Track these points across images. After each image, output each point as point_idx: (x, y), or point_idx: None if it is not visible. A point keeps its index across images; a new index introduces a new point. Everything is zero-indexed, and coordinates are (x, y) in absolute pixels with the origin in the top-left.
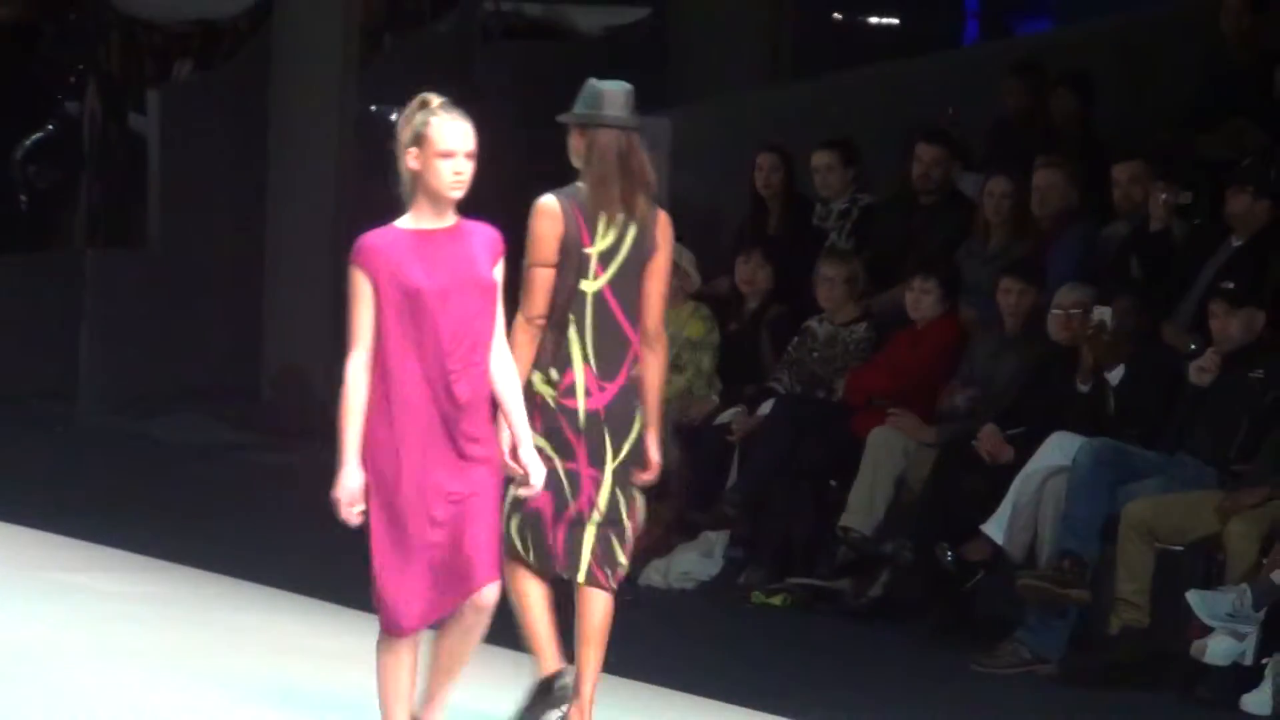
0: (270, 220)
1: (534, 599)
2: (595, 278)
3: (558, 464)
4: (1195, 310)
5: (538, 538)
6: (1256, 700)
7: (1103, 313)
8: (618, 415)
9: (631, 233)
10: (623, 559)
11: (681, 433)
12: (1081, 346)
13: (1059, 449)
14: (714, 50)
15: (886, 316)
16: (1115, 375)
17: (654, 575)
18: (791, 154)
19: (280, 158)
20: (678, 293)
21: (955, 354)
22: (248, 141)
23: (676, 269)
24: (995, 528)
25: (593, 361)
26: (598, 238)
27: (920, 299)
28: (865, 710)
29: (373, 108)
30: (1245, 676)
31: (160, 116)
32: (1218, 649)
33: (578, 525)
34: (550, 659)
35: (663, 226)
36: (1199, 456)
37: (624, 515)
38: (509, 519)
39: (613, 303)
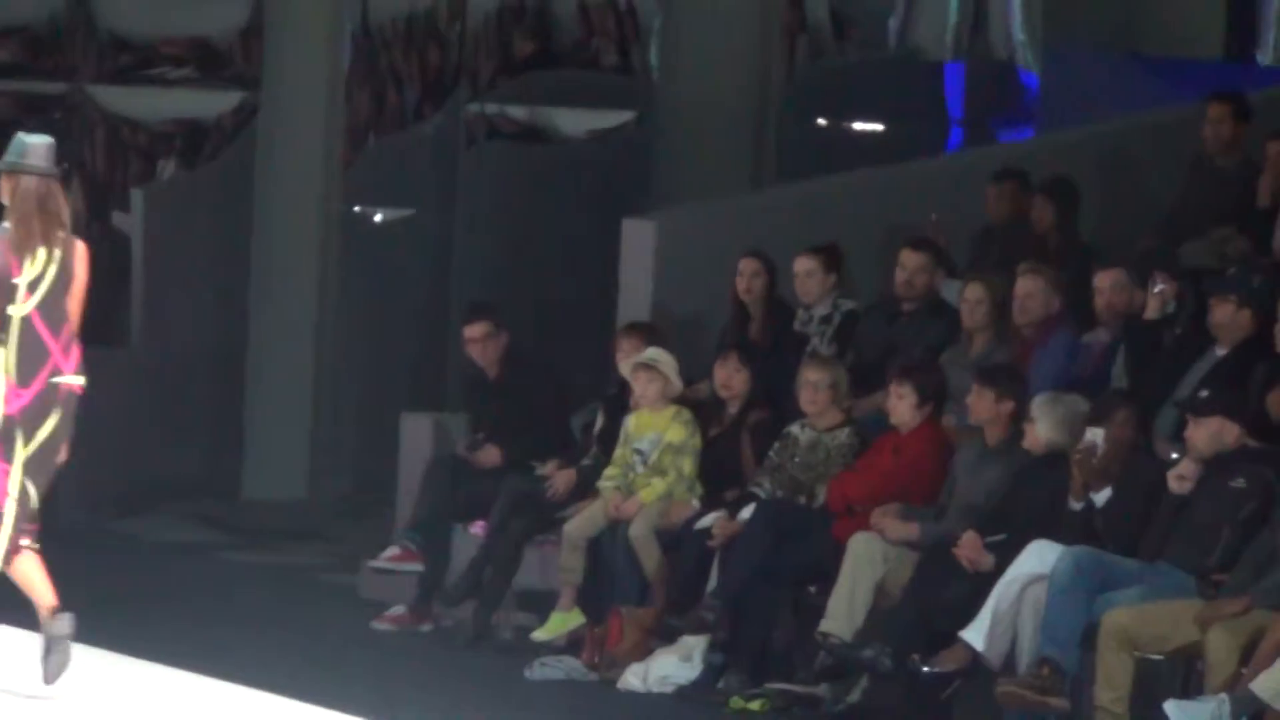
0: (253, 318)
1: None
2: (24, 302)
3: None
4: (1178, 418)
5: None
6: None
7: (1095, 434)
8: (31, 416)
9: (55, 264)
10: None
11: (662, 537)
12: (1070, 461)
13: (1038, 556)
14: (698, 154)
15: (870, 422)
16: (1102, 497)
17: (632, 679)
18: (774, 260)
19: (263, 256)
20: (660, 397)
21: (939, 461)
22: (231, 240)
23: (658, 374)
24: (975, 634)
25: (14, 373)
26: (26, 268)
27: (896, 404)
28: None
29: (356, 208)
30: None
31: (144, 215)
32: None
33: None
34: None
35: (80, 255)
36: (1179, 565)
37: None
38: None
39: (38, 322)
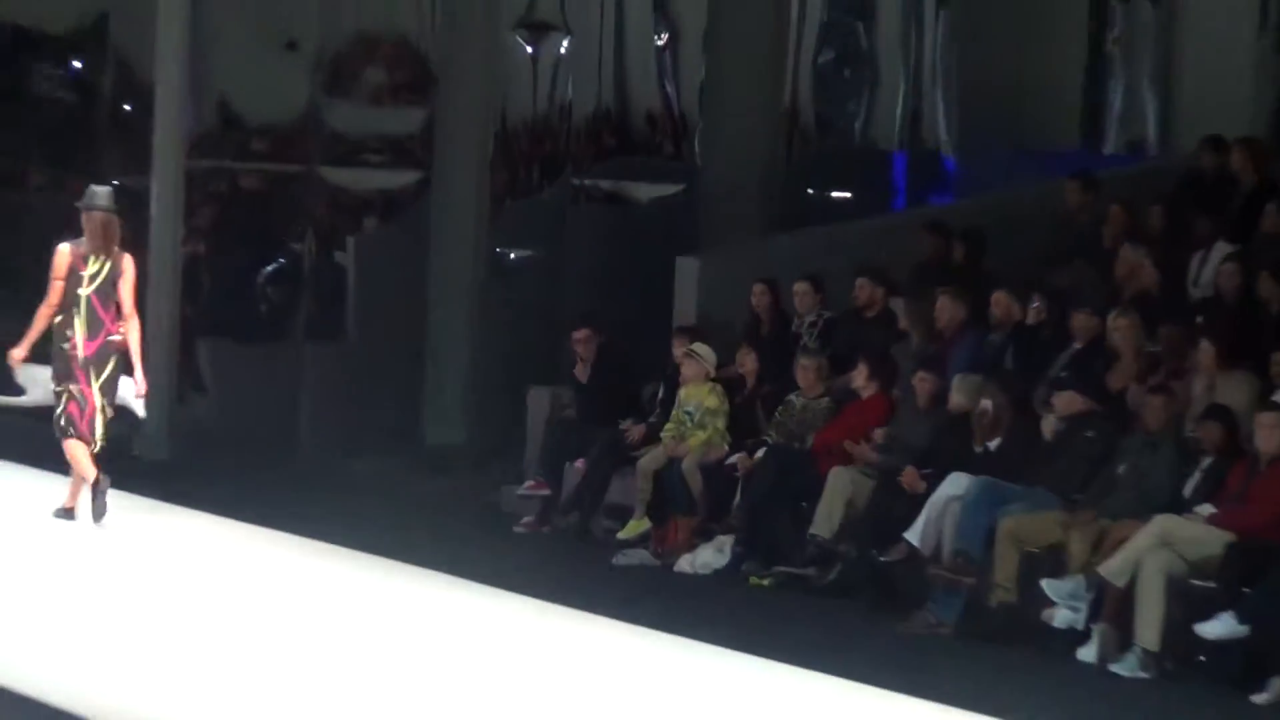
0: (430, 320)
1: (80, 453)
2: (86, 287)
3: (82, 386)
4: (1048, 391)
5: (74, 423)
6: (1086, 652)
7: (985, 404)
8: (97, 359)
9: (107, 266)
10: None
11: (703, 470)
12: (972, 417)
13: (955, 484)
14: (726, 214)
15: (843, 393)
16: (994, 444)
17: (683, 564)
18: (779, 283)
19: (437, 281)
20: (701, 376)
21: (888, 418)
22: (415, 271)
23: (700, 362)
24: (913, 535)
25: (85, 332)
26: (89, 267)
27: (858, 379)
28: (824, 655)
29: (498, 249)
30: (1078, 637)
31: (355, 255)
32: (1061, 618)
33: (93, 418)
34: (90, 477)
35: (127, 262)
36: (1049, 489)
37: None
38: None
39: (95, 301)
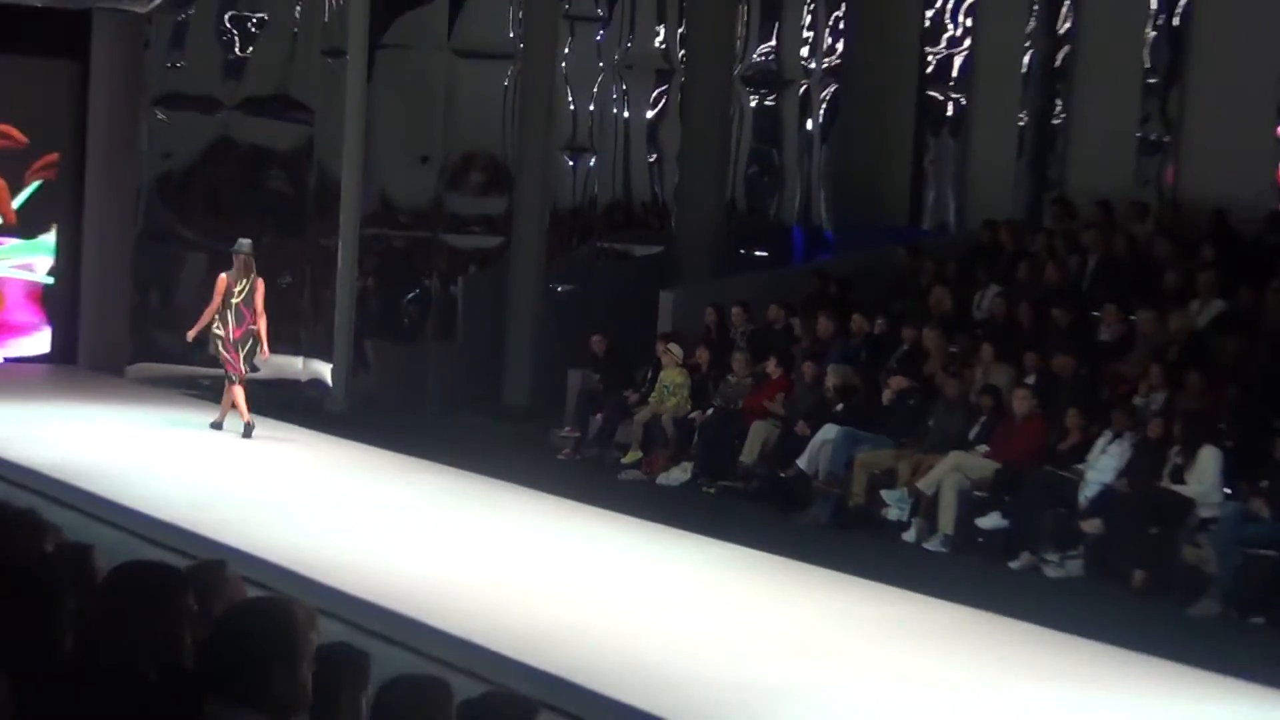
0: (507, 333)
1: (238, 395)
2: (235, 299)
3: (231, 356)
4: (887, 375)
5: (230, 377)
6: (908, 535)
7: (845, 377)
8: (241, 341)
9: (248, 285)
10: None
11: (675, 422)
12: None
13: (827, 431)
14: (689, 266)
15: (760, 376)
16: (840, 408)
17: (662, 480)
18: (723, 307)
19: (512, 306)
20: (674, 364)
21: (787, 392)
22: (498, 299)
23: (673, 355)
24: (803, 462)
25: (233, 325)
26: (237, 286)
27: (770, 367)
28: (749, 538)
29: (553, 285)
30: (903, 526)
31: (463, 288)
32: (893, 514)
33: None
34: (244, 413)
35: (259, 284)
36: (887, 434)
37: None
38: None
39: (242, 307)
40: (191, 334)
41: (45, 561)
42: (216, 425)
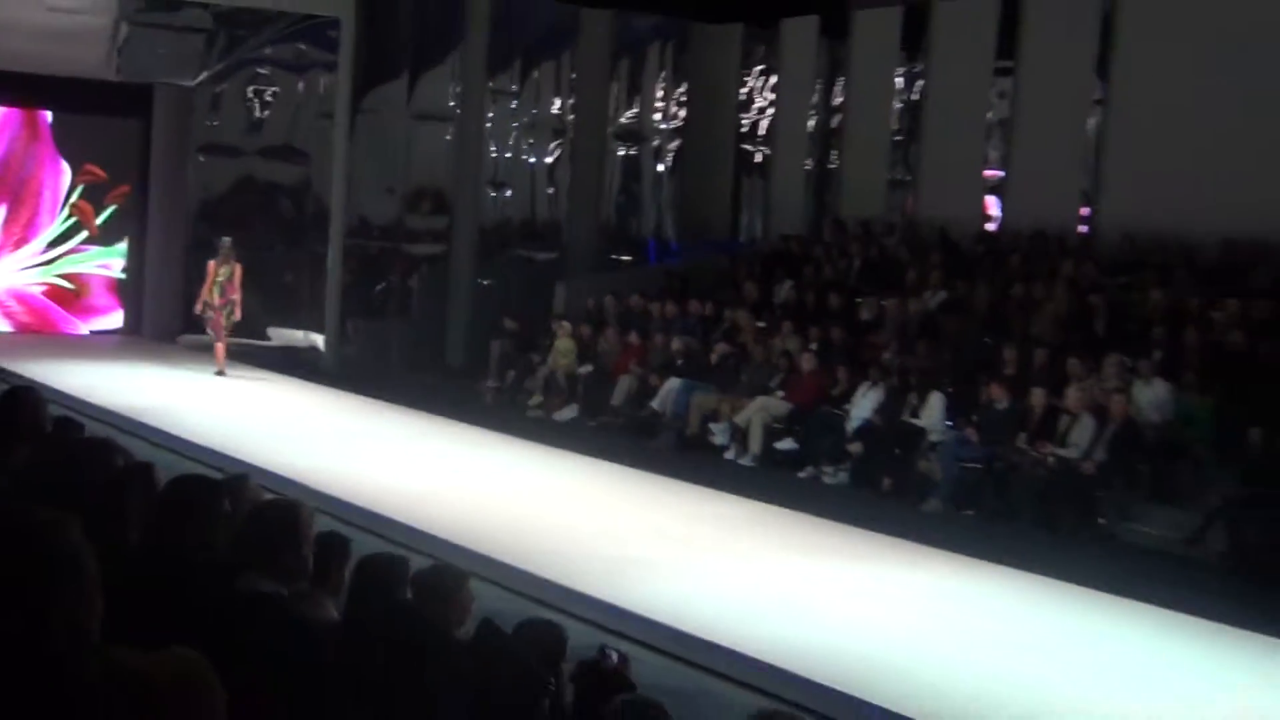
0: (450, 314)
1: (219, 350)
2: (216, 280)
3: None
4: (718, 340)
5: (214, 336)
6: (729, 455)
7: (678, 348)
8: (224, 309)
9: (227, 269)
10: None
11: (566, 376)
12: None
13: (672, 382)
14: (576, 266)
15: (625, 344)
16: (681, 365)
17: (557, 417)
18: (599, 297)
19: (453, 295)
20: (566, 335)
21: (643, 354)
22: (441, 289)
23: (564, 329)
24: (655, 403)
25: (217, 296)
26: (220, 270)
27: (632, 338)
28: (617, 457)
29: (479, 280)
30: (725, 449)
31: (418, 280)
32: (719, 441)
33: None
34: (220, 362)
35: (237, 269)
36: (715, 385)
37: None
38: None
39: (225, 285)
40: (198, 307)
41: (118, 475)
42: (220, 373)
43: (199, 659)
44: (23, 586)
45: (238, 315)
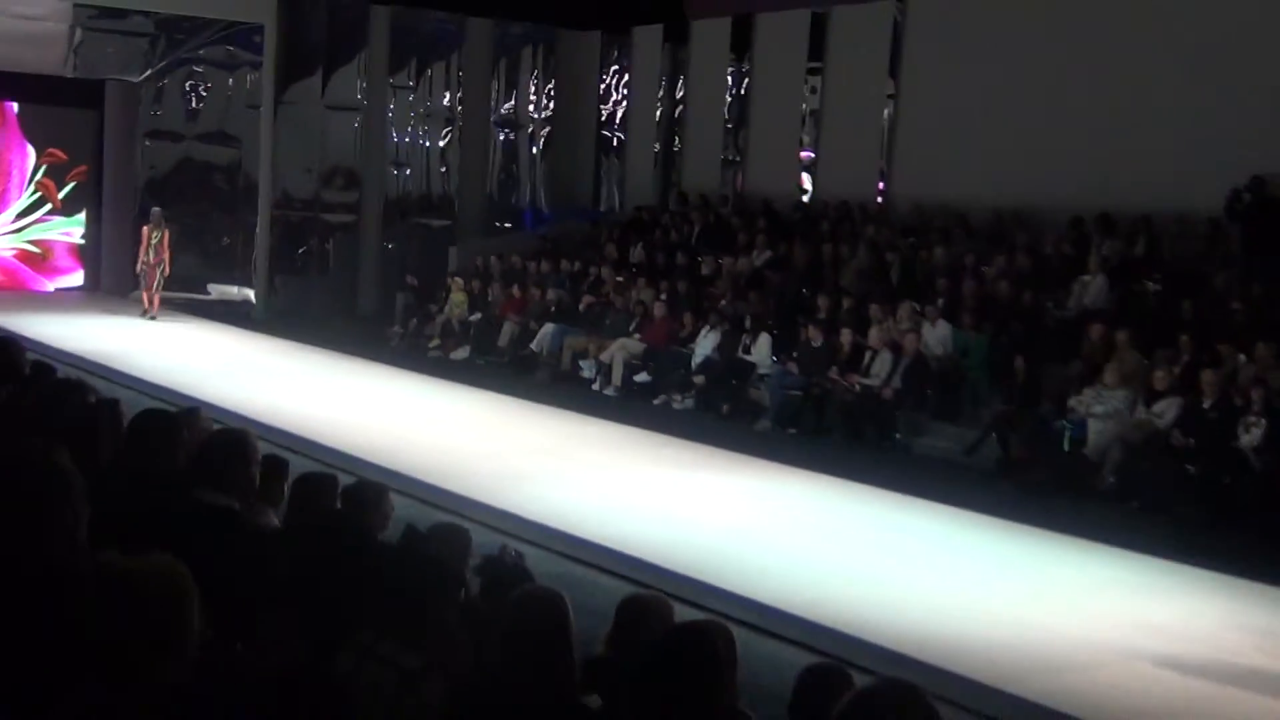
0: (360, 272)
1: (146, 297)
2: (149, 243)
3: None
4: (585, 292)
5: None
6: (595, 386)
7: (553, 298)
8: (155, 265)
9: (159, 234)
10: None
11: (459, 322)
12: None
13: (548, 327)
14: (466, 231)
15: (508, 294)
16: (554, 311)
17: (453, 356)
18: (486, 257)
19: (364, 256)
20: (460, 289)
21: (524, 304)
22: (353, 250)
23: (457, 284)
24: (534, 345)
25: (151, 257)
26: (153, 235)
27: (515, 291)
28: (507, 388)
29: (385, 243)
30: (593, 381)
31: (333, 244)
32: (586, 374)
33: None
34: (150, 307)
35: (166, 234)
36: (583, 329)
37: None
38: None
39: (155, 246)
40: (137, 266)
41: (90, 409)
42: (151, 316)
43: (176, 563)
44: (23, 502)
45: (168, 271)
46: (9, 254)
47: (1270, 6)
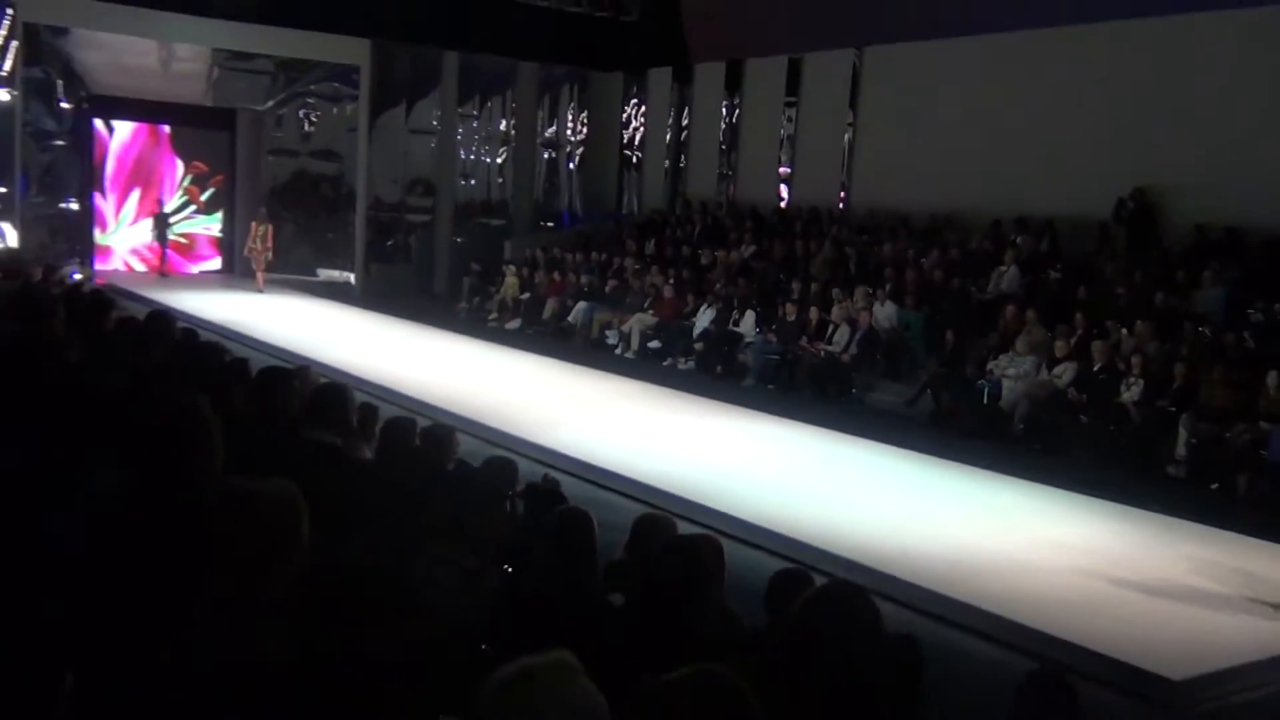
0: (435, 261)
1: (259, 277)
2: (259, 232)
3: (257, 261)
4: (615, 280)
5: (255, 269)
6: (617, 351)
7: (585, 282)
8: (261, 254)
9: (264, 227)
10: None
11: (513, 301)
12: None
13: (581, 304)
14: (519, 230)
15: (552, 280)
16: (587, 291)
17: (507, 327)
18: (534, 250)
19: (439, 249)
20: (511, 274)
21: (563, 287)
22: (432, 243)
23: (510, 269)
24: (571, 318)
25: (260, 245)
26: (260, 228)
27: (556, 277)
28: (544, 351)
29: (455, 238)
30: (616, 346)
31: (416, 240)
32: (611, 341)
33: (260, 264)
34: (260, 285)
35: (270, 228)
36: (608, 305)
37: (265, 262)
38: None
39: (264, 237)
40: (245, 251)
41: (225, 366)
42: (259, 291)
43: (291, 484)
44: (173, 440)
45: (272, 258)
46: (174, 239)
47: (1139, 52)
